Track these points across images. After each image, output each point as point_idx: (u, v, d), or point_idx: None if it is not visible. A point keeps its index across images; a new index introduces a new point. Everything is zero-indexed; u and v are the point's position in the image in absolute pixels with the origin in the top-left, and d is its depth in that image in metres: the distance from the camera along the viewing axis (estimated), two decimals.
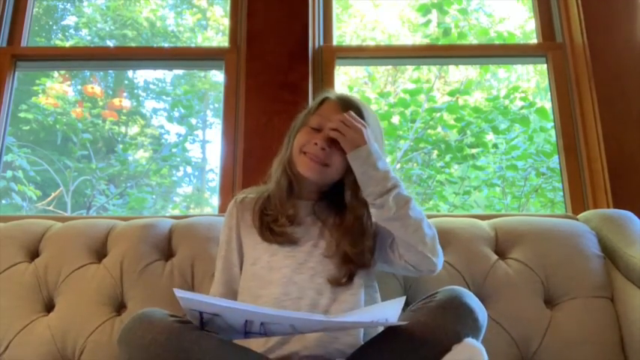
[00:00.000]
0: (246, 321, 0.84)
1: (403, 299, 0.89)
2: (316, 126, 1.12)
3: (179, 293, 0.78)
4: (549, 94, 1.86)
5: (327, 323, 0.89)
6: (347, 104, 1.13)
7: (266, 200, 1.16)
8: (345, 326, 0.95)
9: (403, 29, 3.56)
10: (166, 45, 3.77)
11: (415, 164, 2.91)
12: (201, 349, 0.81)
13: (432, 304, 0.85)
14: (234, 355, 0.84)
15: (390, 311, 0.87)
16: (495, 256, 1.33)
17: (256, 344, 0.99)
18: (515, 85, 3.13)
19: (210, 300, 0.83)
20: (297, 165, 1.11)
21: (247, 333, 0.87)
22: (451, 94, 2.84)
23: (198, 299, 0.81)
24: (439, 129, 2.85)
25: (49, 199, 3.02)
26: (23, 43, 1.94)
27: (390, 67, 3.31)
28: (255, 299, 1.05)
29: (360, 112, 1.11)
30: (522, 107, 2.69)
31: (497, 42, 2.75)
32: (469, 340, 0.81)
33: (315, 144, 1.09)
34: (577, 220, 1.43)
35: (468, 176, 2.84)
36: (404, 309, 0.93)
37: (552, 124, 1.89)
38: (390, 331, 0.86)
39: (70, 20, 3.82)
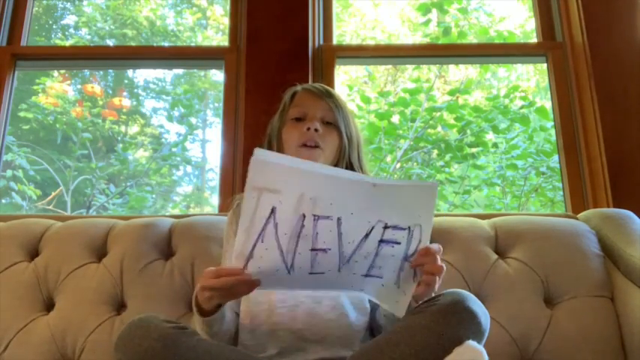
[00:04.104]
0: (302, 218, 0.82)
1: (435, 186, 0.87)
2: (298, 116, 1.16)
3: (258, 155, 0.80)
4: (549, 93, 1.86)
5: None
6: (320, 89, 1.18)
7: None
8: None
9: (403, 28, 3.56)
10: (166, 44, 3.77)
11: (415, 163, 2.90)
12: (198, 356, 0.81)
13: (434, 308, 0.84)
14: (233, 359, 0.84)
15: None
16: (495, 256, 1.33)
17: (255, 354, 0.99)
18: (515, 84, 3.13)
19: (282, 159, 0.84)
20: None
21: (292, 267, 0.84)
22: (451, 93, 2.84)
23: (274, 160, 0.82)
24: (439, 128, 2.84)
25: (49, 198, 3.02)
26: (23, 43, 1.94)
27: (390, 66, 3.31)
28: (254, 305, 1.05)
29: (335, 97, 1.17)
30: (522, 106, 2.69)
31: (497, 41, 2.74)
32: (470, 343, 0.80)
33: (308, 129, 1.11)
34: (577, 219, 1.43)
35: (468, 175, 2.84)
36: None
37: (552, 123, 1.89)
38: (391, 335, 0.86)
39: (70, 19, 3.81)
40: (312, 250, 0.84)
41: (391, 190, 0.86)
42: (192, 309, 0.95)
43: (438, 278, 0.88)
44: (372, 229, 0.85)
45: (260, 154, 0.81)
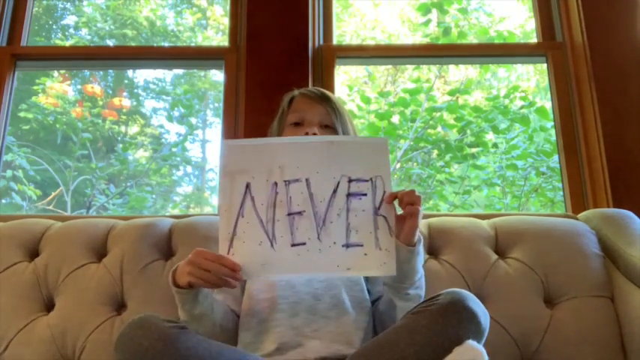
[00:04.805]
0: (275, 186, 0.95)
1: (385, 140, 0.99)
2: (296, 120, 1.19)
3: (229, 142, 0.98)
4: (549, 93, 1.86)
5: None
6: (317, 93, 1.21)
7: None
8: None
9: (403, 28, 3.56)
10: (166, 44, 3.77)
11: (415, 164, 2.91)
12: (198, 355, 0.81)
13: (433, 308, 0.85)
14: (232, 358, 0.84)
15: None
16: (495, 256, 1.33)
17: (254, 350, 1.00)
18: (515, 84, 3.13)
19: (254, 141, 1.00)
20: None
21: (273, 237, 0.93)
22: (451, 93, 2.84)
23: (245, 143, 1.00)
24: (439, 128, 2.84)
25: (49, 198, 3.02)
26: (23, 43, 1.94)
27: (390, 66, 3.31)
28: (256, 303, 1.06)
29: (332, 100, 1.20)
30: (522, 107, 2.69)
31: (497, 41, 2.74)
32: (470, 342, 0.80)
33: (306, 134, 1.14)
34: (577, 219, 1.43)
35: (468, 176, 2.84)
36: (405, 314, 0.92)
37: (552, 123, 1.89)
38: (391, 334, 0.86)
39: (70, 20, 3.81)
40: (289, 214, 0.94)
41: (346, 145, 0.99)
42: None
43: (419, 208, 0.92)
44: (338, 185, 0.96)
45: (230, 140, 0.98)
